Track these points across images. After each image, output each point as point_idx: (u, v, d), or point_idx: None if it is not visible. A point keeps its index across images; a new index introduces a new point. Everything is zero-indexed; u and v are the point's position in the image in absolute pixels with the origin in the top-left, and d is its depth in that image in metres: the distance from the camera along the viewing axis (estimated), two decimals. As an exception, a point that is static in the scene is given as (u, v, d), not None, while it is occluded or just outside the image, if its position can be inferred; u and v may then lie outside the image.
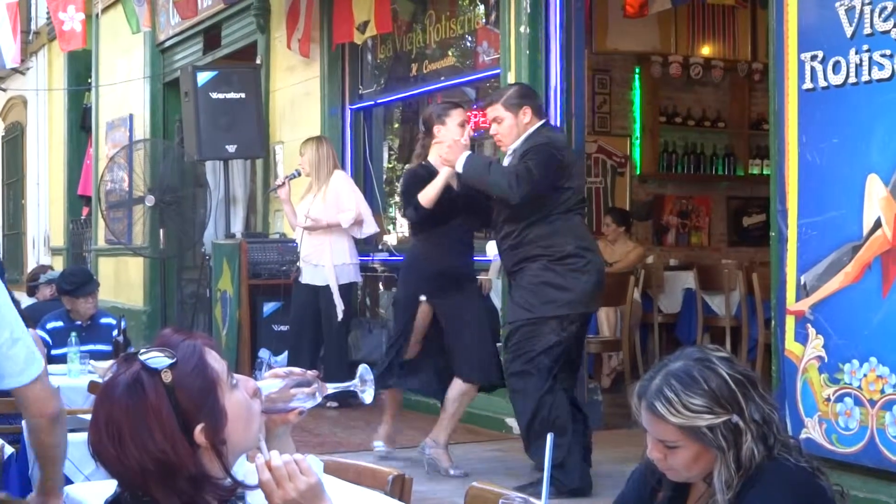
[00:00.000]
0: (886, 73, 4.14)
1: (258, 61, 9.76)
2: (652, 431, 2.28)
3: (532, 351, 5.02)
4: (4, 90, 17.20)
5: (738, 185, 10.79)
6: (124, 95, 12.50)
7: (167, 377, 1.72)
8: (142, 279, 11.88)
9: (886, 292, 4.12)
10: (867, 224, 4.20)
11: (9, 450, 4.02)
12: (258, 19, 9.74)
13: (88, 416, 1.86)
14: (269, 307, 8.29)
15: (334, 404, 7.17)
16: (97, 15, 12.61)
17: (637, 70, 10.25)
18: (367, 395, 2.08)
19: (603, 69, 10.03)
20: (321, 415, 7.03)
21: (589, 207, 9.08)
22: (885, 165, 4.13)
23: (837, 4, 4.32)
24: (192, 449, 1.72)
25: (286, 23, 9.15)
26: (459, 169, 5.23)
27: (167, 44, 11.74)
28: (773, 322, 4.75)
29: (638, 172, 10.31)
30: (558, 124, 6.34)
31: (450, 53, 8.39)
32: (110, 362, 4.14)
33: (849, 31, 4.28)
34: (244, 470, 1.86)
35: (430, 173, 5.54)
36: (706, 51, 10.52)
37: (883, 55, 4.15)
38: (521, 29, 6.58)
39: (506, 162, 5.24)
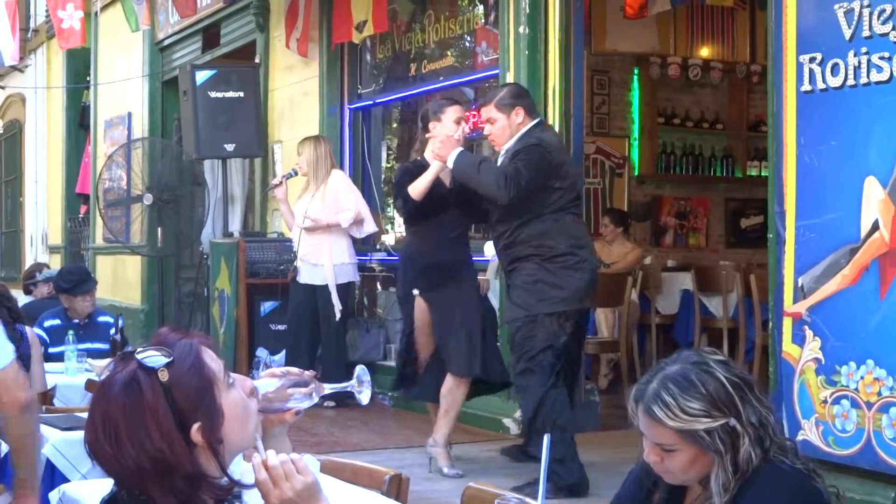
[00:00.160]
0: (885, 76, 4.14)
1: (257, 60, 9.76)
2: (649, 435, 2.28)
3: (532, 349, 5.06)
4: (3, 88, 17.19)
5: (736, 186, 10.79)
6: (123, 94, 12.49)
7: (164, 376, 1.72)
8: (139, 278, 11.87)
9: (884, 294, 4.12)
10: (865, 226, 4.20)
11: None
12: (257, 18, 9.74)
13: (85, 415, 1.86)
14: (266, 306, 8.28)
15: (331, 404, 7.17)
16: (96, 13, 12.61)
17: (636, 71, 10.26)
18: (364, 397, 2.09)
19: (602, 70, 10.03)
20: (318, 414, 7.03)
21: (587, 208, 9.09)
22: (883, 168, 4.13)
23: (836, 7, 4.32)
24: (189, 448, 1.72)
25: (285, 22, 9.15)
26: (450, 164, 5.25)
27: (166, 42, 11.74)
28: (770, 324, 4.75)
29: (636, 173, 10.31)
30: (557, 125, 6.35)
31: (449, 53, 8.39)
32: (107, 361, 4.14)
33: (847, 33, 4.28)
34: (241, 469, 1.86)
35: (419, 168, 5.56)
36: (705, 52, 10.53)
37: (881, 58, 4.15)
38: (521, 29, 6.58)
39: (500, 162, 5.26)
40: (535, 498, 2.15)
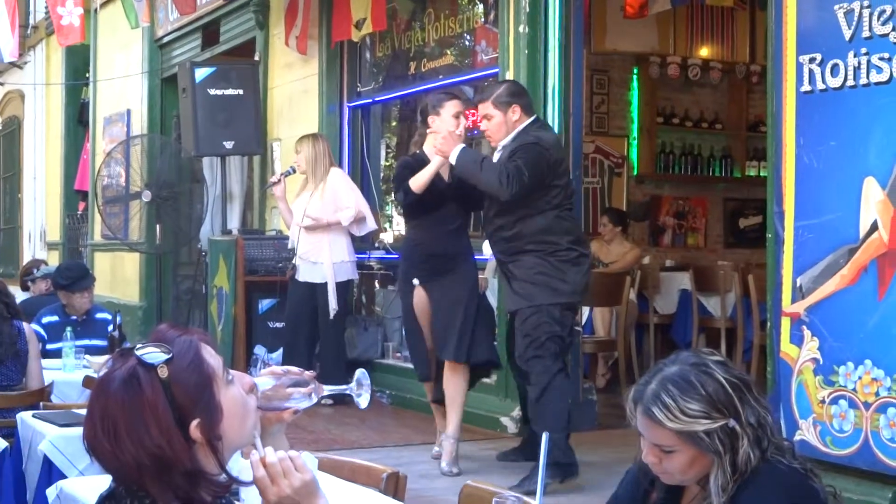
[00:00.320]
0: (884, 77, 4.14)
1: (256, 58, 9.75)
2: (648, 436, 2.28)
3: (539, 339, 5.19)
4: (2, 84, 17.19)
5: (735, 186, 10.80)
6: (122, 91, 12.49)
7: (163, 372, 1.72)
8: (138, 275, 11.87)
9: (882, 295, 4.13)
10: (864, 227, 4.20)
11: (2, 444, 4.02)
12: (257, 16, 9.73)
13: (83, 411, 1.86)
14: (264, 304, 8.28)
15: (329, 401, 7.16)
16: (96, 10, 12.59)
17: (635, 71, 10.26)
18: (363, 400, 2.09)
19: (601, 69, 10.04)
20: (316, 412, 7.02)
21: (586, 207, 9.09)
22: (882, 168, 4.14)
23: (836, 7, 4.32)
24: (188, 444, 1.72)
25: (284, 20, 9.15)
26: (453, 161, 5.32)
27: (165, 39, 11.73)
28: (768, 324, 4.76)
29: (635, 173, 10.32)
30: (556, 124, 6.36)
31: (448, 52, 8.39)
32: (105, 357, 4.14)
33: (847, 34, 4.28)
34: (239, 466, 1.86)
35: (419, 162, 5.64)
36: (704, 52, 10.53)
37: (881, 58, 4.15)
38: (520, 28, 6.58)
39: (496, 157, 5.34)
40: (532, 496, 2.15)
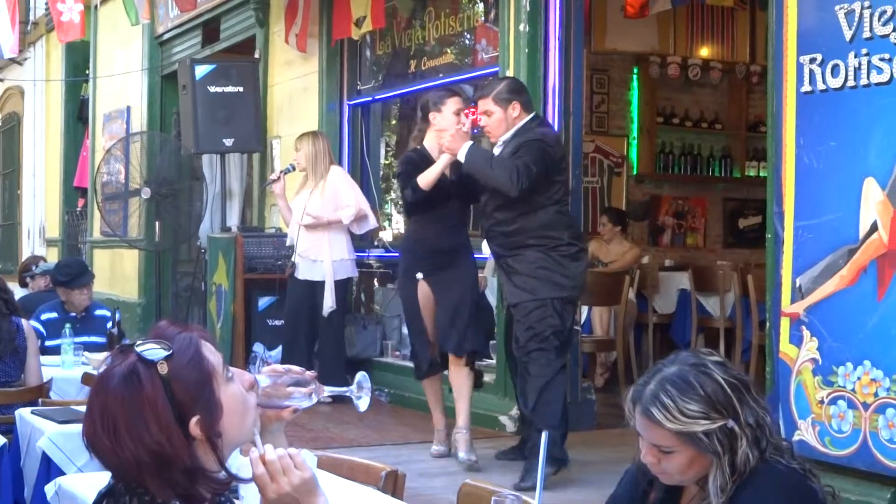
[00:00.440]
0: (885, 77, 4.14)
1: (257, 55, 9.74)
2: (647, 436, 2.28)
3: (543, 332, 5.23)
4: (2, 80, 17.17)
5: (735, 186, 10.80)
6: (122, 87, 12.48)
7: (163, 369, 1.72)
8: (137, 272, 11.86)
9: (882, 295, 4.12)
10: (863, 227, 4.20)
11: (1, 440, 4.02)
12: (257, 13, 9.73)
13: (82, 408, 1.86)
14: (263, 301, 8.28)
15: (328, 400, 7.14)
16: (96, 6, 12.60)
17: (635, 70, 10.26)
18: (363, 403, 2.09)
19: (601, 69, 10.04)
20: (315, 410, 6.94)
21: (585, 207, 9.08)
22: (882, 169, 4.13)
23: (837, 8, 4.32)
24: (188, 441, 1.72)
25: (284, 17, 9.14)
26: (462, 158, 5.34)
27: (166, 36, 11.72)
28: (767, 324, 4.75)
29: (635, 172, 10.32)
30: (556, 123, 6.37)
31: (448, 51, 8.39)
32: (104, 354, 4.13)
33: (848, 34, 4.28)
34: (238, 463, 1.86)
35: (422, 157, 5.69)
36: (705, 52, 10.53)
37: (882, 59, 4.15)
38: (521, 27, 6.58)
39: (496, 152, 5.38)
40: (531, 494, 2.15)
